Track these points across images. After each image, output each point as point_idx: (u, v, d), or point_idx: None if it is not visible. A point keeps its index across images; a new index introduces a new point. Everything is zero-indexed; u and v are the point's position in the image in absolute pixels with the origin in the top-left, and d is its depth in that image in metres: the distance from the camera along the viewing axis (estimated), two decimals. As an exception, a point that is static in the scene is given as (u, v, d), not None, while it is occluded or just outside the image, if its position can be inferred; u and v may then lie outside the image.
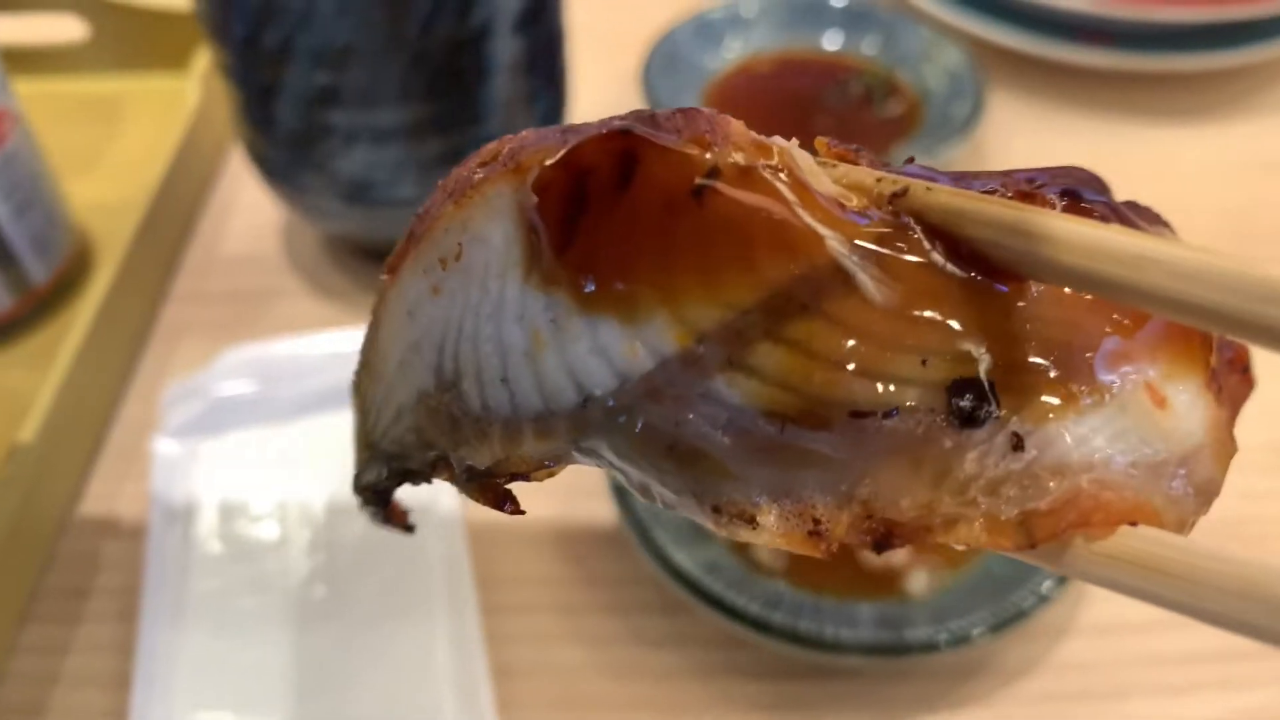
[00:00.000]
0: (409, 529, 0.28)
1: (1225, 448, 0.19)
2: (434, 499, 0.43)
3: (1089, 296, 0.18)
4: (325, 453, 0.45)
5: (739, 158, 0.18)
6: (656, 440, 0.19)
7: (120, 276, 0.51)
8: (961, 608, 0.38)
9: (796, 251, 0.18)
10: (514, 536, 0.44)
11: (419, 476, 0.23)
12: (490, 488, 0.21)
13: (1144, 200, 0.49)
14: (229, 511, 0.44)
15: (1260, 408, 0.22)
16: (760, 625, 0.37)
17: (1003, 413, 0.18)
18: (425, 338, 0.21)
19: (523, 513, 0.22)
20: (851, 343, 0.18)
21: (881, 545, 0.18)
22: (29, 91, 0.69)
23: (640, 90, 0.62)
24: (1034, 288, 0.18)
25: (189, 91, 0.62)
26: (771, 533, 0.18)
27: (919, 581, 0.40)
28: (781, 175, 0.18)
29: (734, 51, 0.67)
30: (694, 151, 0.18)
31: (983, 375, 0.18)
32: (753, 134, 0.19)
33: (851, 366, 0.18)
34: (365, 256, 0.57)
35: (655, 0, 0.74)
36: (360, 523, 0.42)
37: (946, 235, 0.18)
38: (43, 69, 0.70)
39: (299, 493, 0.44)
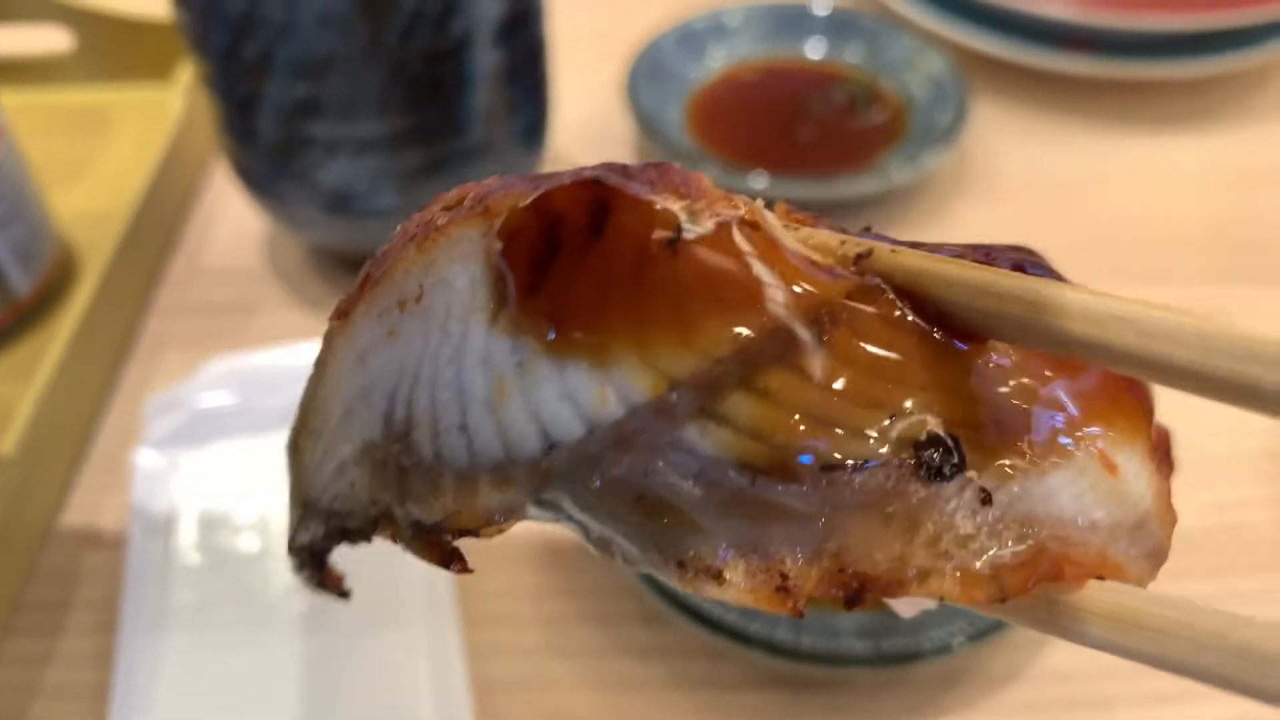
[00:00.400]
0: (344, 594, 0.26)
1: (1169, 515, 0.20)
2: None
3: (1047, 362, 0.19)
4: (307, 464, 0.45)
5: (711, 211, 0.18)
6: (623, 491, 0.18)
7: (102, 288, 0.51)
8: (943, 616, 0.38)
9: (772, 303, 0.18)
10: (495, 548, 0.44)
11: (358, 535, 0.22)
12: (437, 544, 0.21)
13: (1128, 208, 0.50)
14: (210, 523, 0.44)
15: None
16: (739, 636, 0.36)
17: (969, 470, 0.18)
18: (376, 385, 0.20)
19: (470, 571, 0.21)
20: (823, 395, 0.18)
21: (853, 600, 0.18)
22: (14, 102, 0.69)
23: (624, 100, 0.62)
24: (995, 350, 0.19)
25: (173, 102, 0.62)
26: (738, 589, 0.18)
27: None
28: (753, 231, 0.19)
29: (718, 60, 0.67)
30: (668, 203, 0.18)
31: (948, 433, 0.18)
32: (723, 190, 0.19)
33: (825, 417, 0.18)
34: (348, 267, 0.57)
35: (639, 9, 0.74)
36: (341, 534, 0.42)
37: (912, 296, 0.18)
38: (27, 79, 0.70)
39: (280, 505, 0.44)
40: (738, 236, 0.18)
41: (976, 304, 0.18)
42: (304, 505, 0.23)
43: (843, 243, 0.19)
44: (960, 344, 0.18)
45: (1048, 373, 0.19)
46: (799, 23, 0.68)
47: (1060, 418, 0.18)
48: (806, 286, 0.18)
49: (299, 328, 0.54)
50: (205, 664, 0.39)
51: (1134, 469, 0.19)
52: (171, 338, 0.54)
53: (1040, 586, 0.18)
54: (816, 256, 0.19)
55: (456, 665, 0.39)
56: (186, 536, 0.43)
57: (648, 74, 0.64)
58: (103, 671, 0.40)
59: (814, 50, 0.68)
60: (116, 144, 0.67)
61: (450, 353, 0.19)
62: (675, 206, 0.18)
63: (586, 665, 0.40)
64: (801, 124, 0.64)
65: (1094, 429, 0.19)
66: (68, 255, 0.58)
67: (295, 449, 0.23)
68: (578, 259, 0.18)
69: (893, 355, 0.18)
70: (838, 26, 0.68)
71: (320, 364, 0.22)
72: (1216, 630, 0.17)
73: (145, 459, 0.46)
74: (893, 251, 0.19)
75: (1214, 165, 0.64)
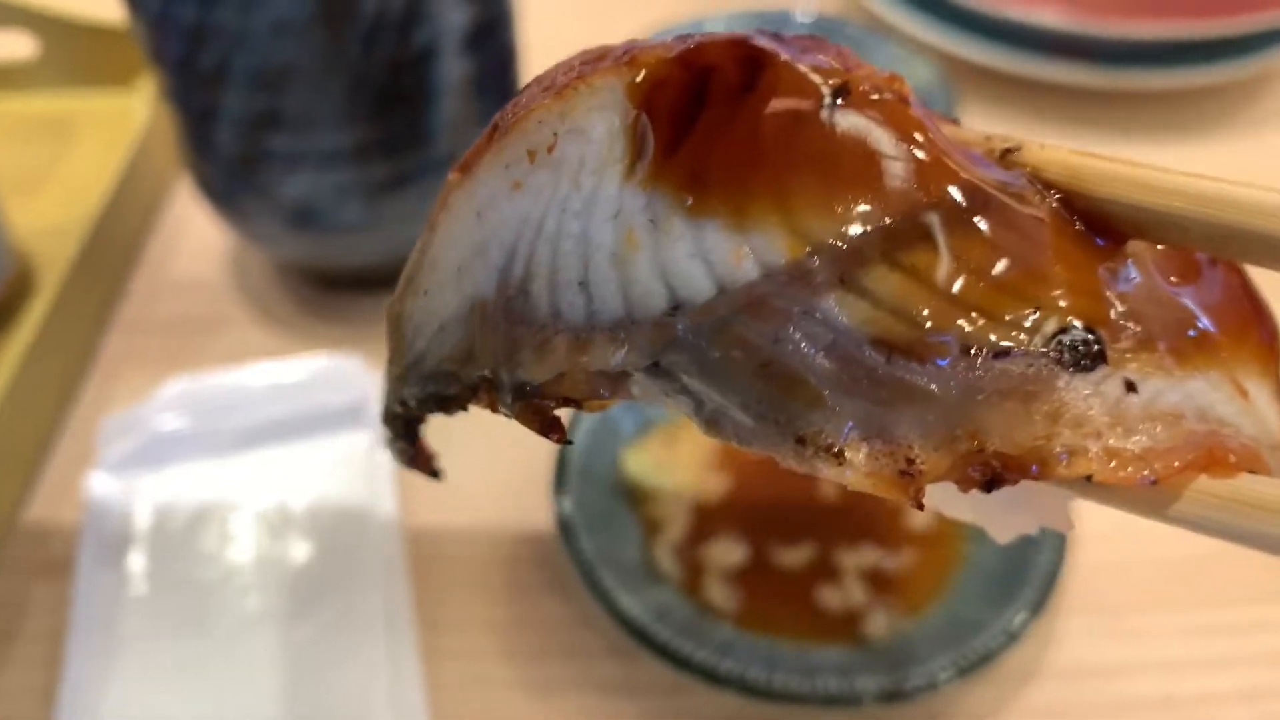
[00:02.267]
0: (435, 474, 0.27)
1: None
2: (377, 540, 0.42)
3: (1178, 268, 0.19)
4: (266, 489, 0.44)
5: (870, 84, 0.18)
6: (749, 357, 0.17)
7: (59, 303, 0.49)
8: (923, 653, 0.36)
9: (926, 180, 0.17)
10: (458, 578, 0.42)
11: (455, 403, 0.21)
12: (538, 410, 0.19)
13: None
14: (165, 551, 0.42)
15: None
16: (709, 674, 0.35)
17: (1110, 364, 0.17)
18: (494, 238, 0.20)
19: (569, 443, 0.22)
20: (969, 280, 0.17)
21: (992, 483, 0.17)
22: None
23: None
24: (1134, 251, 0.18)
25: (138, 110, 0.61)
26: (858, 470, 0.17)
27: (878, 625, 0.38)
28: (907, 109, 0.18)
29: (699, 68, 0.66)
30: (823, 71, 0.18)
31: (1089, 328, 0.17)
32: (876, 68, 0.19)
33: (968, 302, 0.17)
34: (315, 283, 0.55)
35: (616, 17, 0.73)
36: (298, 566, 0.41)
37: (1062, 191, 0.19)
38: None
39: (238, 532, 0.42)
40: (897, 110, 0.18)
41: (1130, 199, 0.18)
42: (403, 372, 0.22)
43: (988, 138, 0.19)
44: (1101, 240, 0.18)
45: (1179, 280, 0.19)
46: (782, 30, 0.67)
47: (1194, 331, 0.18)
48: (958, 170, 0.18)
49: (263, 346, 0.53)
50: (153, 699, 0.38)
51: (1264, 399, 0.19)
52: (131, 355, 0.53)
53: (1193, 472, 0.17)
54: (969, 147, 0.19)
55: (416, 701, 0.37)
56: (139, 565, 0.42)
57: (626, 82, 0.62)
58: (46, 708, 0.38)
59: (796, 58, 0.67)
60: (79, 153, 0.65)
61: (579, 205, 0.19)
62: (829, 77, 0.18)
63: (552, 701, 0.39)
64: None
65: (1227, 355, 0.18)
66: (25, 269, 0.56)
67: (397, 315, 0.23)
68: (724, 116, 0.17)
69: (1038, 248, 0.18)
70: (822, 34, 0.66)
71: (432, 224, 0.22)
72: None
73: (99, 483, 0.44)
74: (1042, 148, 0.19)
75: (1207, 174, 0.62)
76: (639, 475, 0.42)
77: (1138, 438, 0.17)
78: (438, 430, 0.47)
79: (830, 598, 0.39)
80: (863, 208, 0.17)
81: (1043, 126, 0.66)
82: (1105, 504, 0.18)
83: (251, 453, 0.45)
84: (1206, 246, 0.18)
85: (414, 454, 0.25)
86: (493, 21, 0.46)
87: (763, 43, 0.18)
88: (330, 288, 0.55)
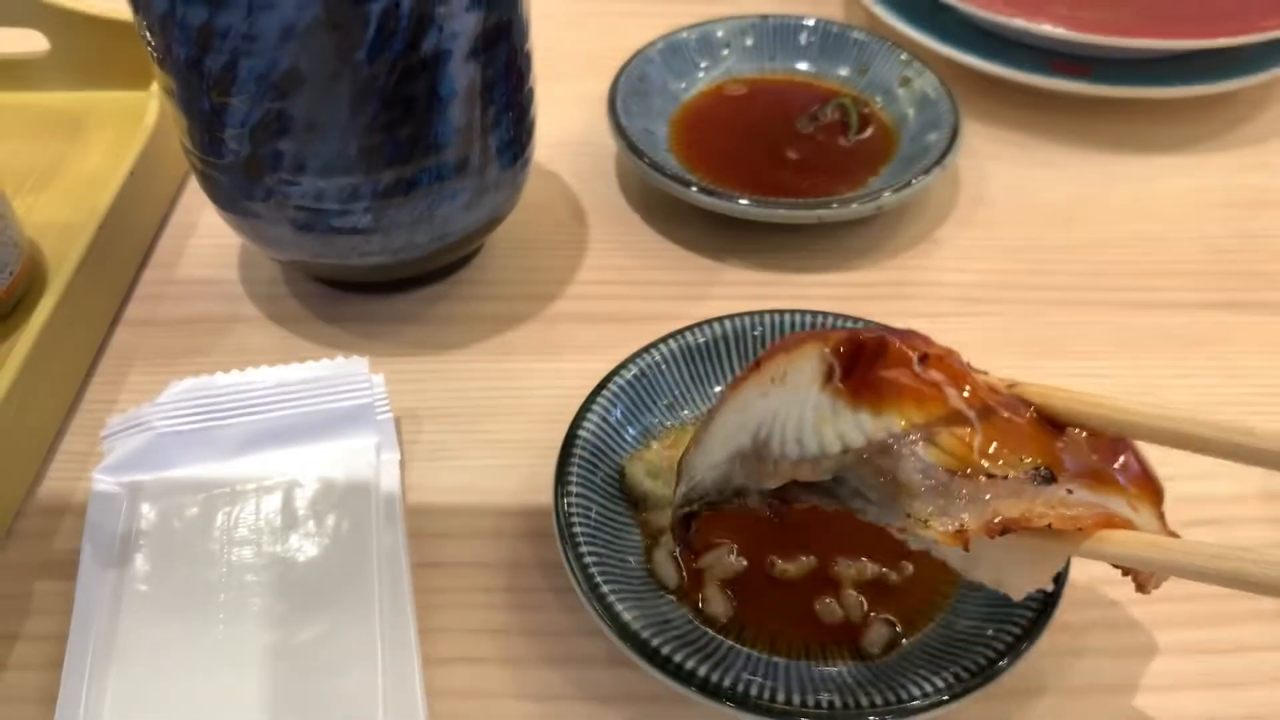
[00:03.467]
0: (696, 553, 0.41)
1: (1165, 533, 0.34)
2: (380, 545, 0.42)
3: (1101, 445, 0.34)
4: (270, 490, 0.44)
5: (935, 351, 0.34)
6: (881, 473, 0.32)
7: (66, 299, 0.49)
8: (924, 668, 0.36)
9: (967, 398, 0.33)
10: (460, 584, 0.42)
11: (715, 506, 0.37)
12: (773, 508, 0.36)
13: (1122, 232, 0.53)
14: (167, 552, 0.42)
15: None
16: (709, 687, 0.35)
17: (1062, 483, 0.32)
18: (750, 419, 0.36)
19: (778, 520, 0.37)
20: (987, 443, 0.32)
21: (1004, 531, 0.31)
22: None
23: (607, 114, 0.60)
24: (1078, 436, 0.34)
25: (149, 108, 0.61)
26: (935, 531, 0.31)
27: (878, 639, 0.38)
28: (959, 365, 0.34)
29: (706, 74, 0.66)
30: (914, 347, 0.34)
31: (1048, 465, 0.32)
32: (936, 343, 0.35)
33: (986, 453, 0.32)
34: (323, 285, 0.56)
35: (627, 23, 0.73)
36: (301, 568, 0.41)
37: (1035, 404, 0.34)
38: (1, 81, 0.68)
39: (241, 534, 0.43)
40: (951, 366, 0.34)
41: (1068, 409, 0.34)
42: (686, 492, 0.38)
43: (1001, 380, 0.35)
44: (1056, 429, 0.34)
45: (1099, 447, 0.34)
46: (789, 37, 0.67)
47: (1105, 471, 0.33)
48: (984, 395, 0.33)
49: (270, 347, 0.53)
50: (154, 703, 0.38)
51: (1146, 514, 0.33)
52: (137, 354, 0.53)
53: (1097, 528, 0.31)
54: (991, 384, 0.34)
55: (416, 706, 0.37)
56: (141, 565, 0.42)
57: (633, 88, 0.62)
58: (46, 710, 0.38)
59: (803, 65, 0.67)
60: (90, 150, 0.65)
61: (797, 401, 0.34)
62: (917, 350, 0.33)
63: (552, 710, 0.39)
64: (789, 141, 0.62)
65: (1121, 484, 0.33)
66: (36, 265, 0.56)
67: (684, 460, 0.39)
68: (870, 364, 0.33)
69: (1022, 431, 0.33)
70: (829, 42, 0.66)
71: (711, 412, 0.38)
72: (1188, 546, 0.31)
73: (102, 484, 0.44)
74: (1029, 387, 0.34)
75: (1210, 189, 0.62)
76: (641, 483, 0.42)
77: (1071, 512, 0.31)
78: (445, 438, 0.48)
79: (830, 610, 0.39)
80: (932, 410, 0.32)
81: (1047, 139, 0.66)
82: (1062, 550, 0.32)
83: (256, 454, 0.45)
84: (1109, 431, 0.34)
85: (687, 538, 0.39)
86: (503, 26, 0.46)
87: (887, 335, 0.34)
88: (338, 290, 0.55)
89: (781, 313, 0.47)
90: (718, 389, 0.46)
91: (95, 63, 0.68)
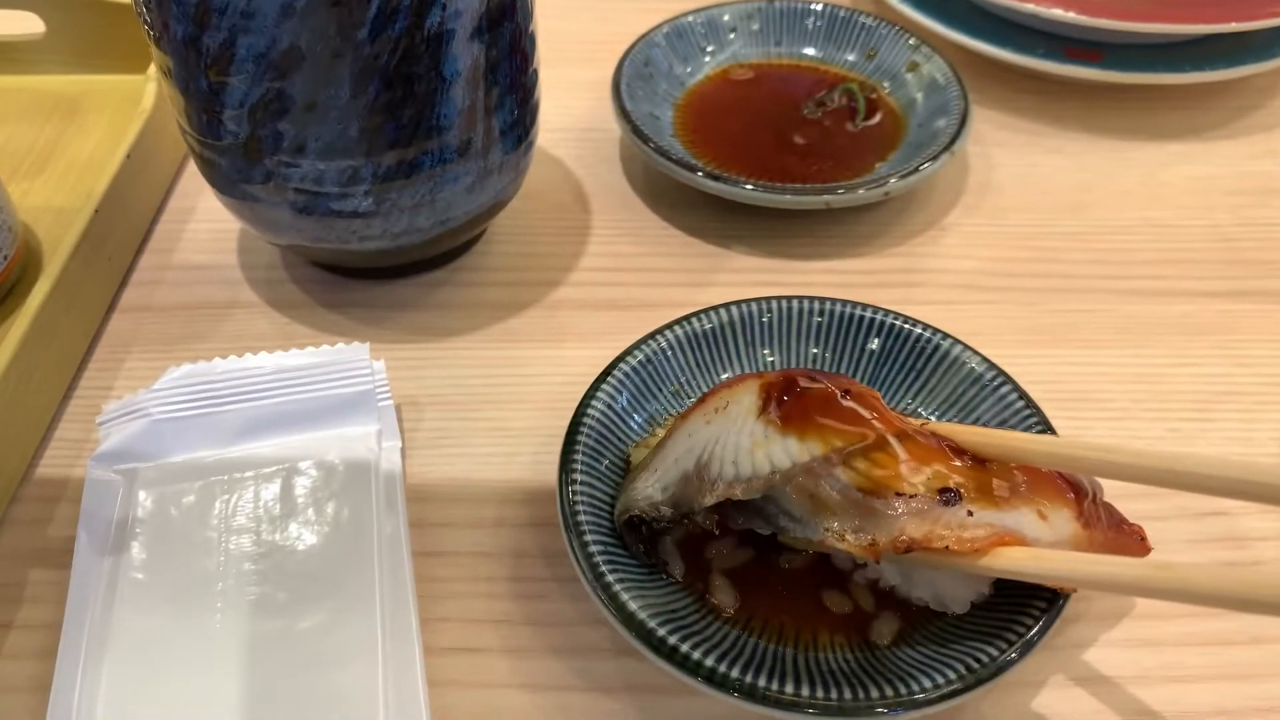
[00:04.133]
0: (663, 566, 0.40)
1: (1080, 545, 0.36)
2: (381, 533, 0.41)
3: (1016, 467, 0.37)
4: (269, 478, 0.43)
5: (854, 390, 0.38)
6: (803, 492, 0.36)
7: (61, 285, 0.49)
8: (933, 661, 0.35)
9: (883, 424, 0.37)
10: (462, 573, 0.42)
11: (665, 524, 0.39)
12: (709, 520, 0.39)
13: (1132, 220, 0.57)
14: (164, 540, 0.41)
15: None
16: (715, 678, 0.34)
17: (965, 503, 0.35)
18: (696, 444, 0.39)
19: (715, 533, 0.40)
20: (899, 465, 0.36)
21: (909, 550, 0.35)
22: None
23: (612, 98, 0.59)
24: (989, 464, 0.37)
25: (146, 91, 0.60)
26: (851, 545, 0.35)
27: (886, 630, 0.38)
28: (879, 401, 0.38)
29: (711, 58, 0.65)
30: (843, 384, 0.38)
31: (955, 487, 0.35)
32: (864, 385, 0.39)
33: (900, 474, 0.35)
34: (322, 270, 0.55)
35: (630, 9, 0.72)
36: (300, 557, 0.40)
37: (948, 440, 0.37)
38: (-5, 64, 0.68)
39: (239, 522, 0.42)
40: (871, 400, 0.38)
41: (972, 445, 0.38)
42: (626, 504, 0.40)
43: (916, 419, 0.41)
44: (973, 460, 0.37)
45: (1016, 472, 0.37)
46: (796, 21, 0.66)
47: (1010, 490, 0.36)
48: (901, 424, 0.37)
49: (268, 332, 0.52)
50: (151, 693, 0.37)
51: (1061, 520, 0.36)
52: (134, 340, 0.52)
53: (994, 546, 0.35)
54: (906, 419, 0.38)
55: (418, 696, 0.37)
56: (138, 553, 0.41)
57: (637, 72, 0.61)
58: (39, 700, 0.37)
59: (809, 50, 0.66)
60: (86, 134, 0.64)
61: (735, 429, 0.38)
62: (842, 387, 0.38)
63: (555, 700, 0.38)
64: (796, 127, 0.61)
65: (1037, 497, 0.36)
66: (31, 250, 0.55)
67: (632, 479, 0.41)
68: (798, 399, 0.37)
69: (935, 456, 0.36)
70: (836, 26, 0.65)
71: (664, 439, 0.41)
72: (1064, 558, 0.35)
73: (97, 470, 0.43)
74: (939, 424, 0.39)
75: (1220, 176, 0.62)
76: (646, 472, 0.42)
77: (970, 533, 0.35)
78: (447, 426, 0.47)
79: (837, 602, 0.39)
80: (852, 436, 0.36)
81: (1056, 125, 0.65)
82: (964, 567, 0.36)
83: (255, 441, 0.45)
84: (1010, 459, 0.37)
85: (641, 546, 0.40)
86: (507, 6, 0.45)
87: (816, 375, 0.38)
88: (338, 276, 0.54)
89: (789, 299, 0.46)
90: (725, 375, 0.46)
91: (92, 46, 0.67)
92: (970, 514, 0.35)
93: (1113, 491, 0.38)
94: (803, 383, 0.37)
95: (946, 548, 0.34)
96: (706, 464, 0.38)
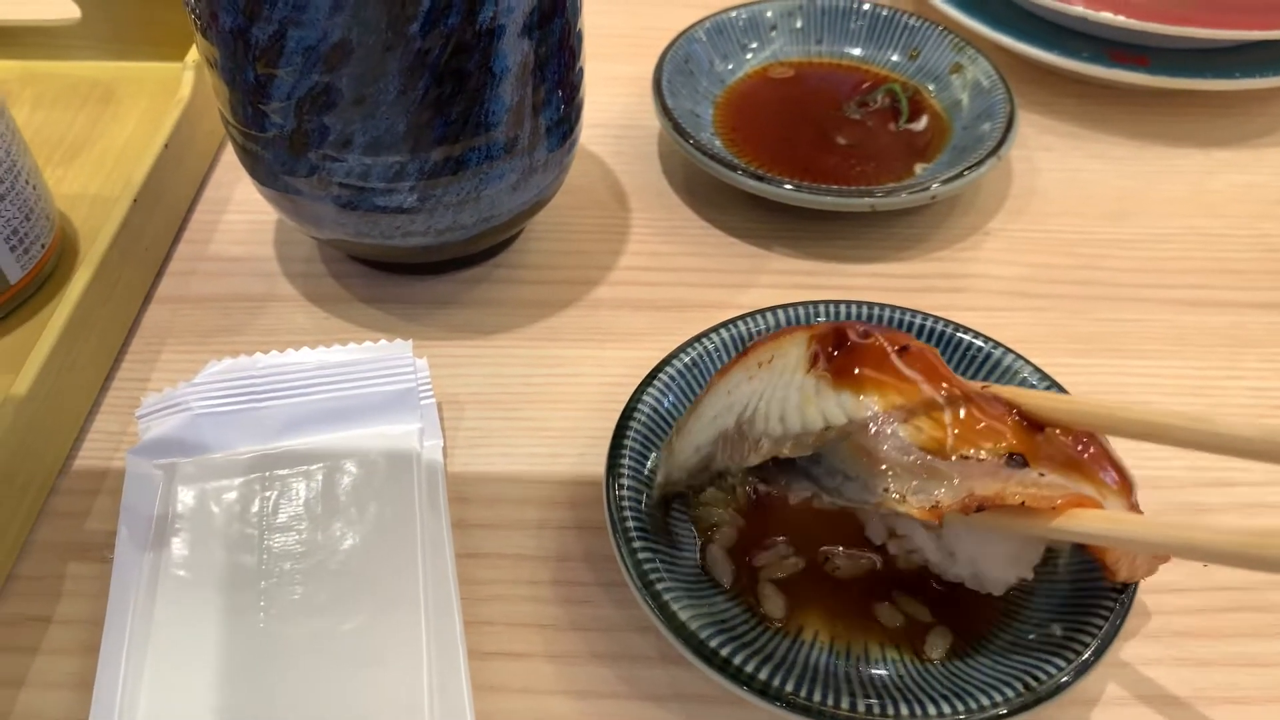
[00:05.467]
0: (671, 545, 0.40)
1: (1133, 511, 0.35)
2: (424, 534, 0.41)
3: (1071, 439, 0.36)
4: (310, 476, 0.43)
5: (919, 347, 0.36)
6: (861, 450, 0.34)
7: (100, 275, 0.48)
8: (988, 678, 0.35)
9: (946, 384, 0.35)
10: (506, 576, 0.41)
11: (697, 489, 0.40)
12: (749, 483, 0.39)
13: (1178, 228, 0.59)
14: (204, 536, 0.41)
15: None
16: (766, 690, 0.34)
17: (1033, 466, 0.34)
18: (736, 401, 0.37)
19: (756, 495, 0.41)
20: (966, 428, 0.34)
21: (980, 509, 0.32)
22: (14, 73, 0.66)
23: (652, 95, 0.59)
24: (1052, 433, 0.36)
25: (184, 79, 0.59)
26: (911, 507, 0.33)
27: (940, 642, 0.37)
28: (937, 359, 0.36)
29: (753, 55, 0.64)
30: (899, 339, 0.36)
31: (1020, 452, 0.34)
32: (914, 338, 0.37)
33: (962, 434, 0.34)
34: (361, 263, 0.54)
35: (669, 4, 0.71)
36: (342, 557, 0.40)
37: (1012, 403, 0.36)
38: (30, 49, 0.67)
39: (280, 520, 0.41)
40: (928, 359, 0.36)
41: (1039, 409, 0.36)
42: (666, 475, 0.40)
43: (977, 384, 0.38)
44: (1033, 427, 0.36)
45: (1074, 442, 0.36)
46: (840, 19, 0.65)
47: (1077, 462, 0.35)
48: (958, 386, 0.35)
49: (307, 326, 0.52)
50: (191, 693, 0.37)
51: (1113, 499, 0.35)
52: (171, 332, 0.51)
53: (1069, 507, 0.33)
54: (966, 382, 0.36)
55: (462, 701, 0.36)
56: (179, 550, 0.40)
57: (678, 69, 0.61)
58: (81, 696, 0.37)
59: (851, 49, 0.65)
60: (122, 121, 0.64)
61: (782, 384, 0.36)
62: (897, 344, 0.36)
63: (599, 707, 0.37)
64: (837, 127, 0.60)
65: (1098, 480, 0.35)
66: (66, 238, 0.55)
67: (670, 445, 0.40)
68: (853, 352, 0.35)
69: (1000, 422, 0.35)
70: (880, 26, 0.65)
71: (698, 400, 0.40)
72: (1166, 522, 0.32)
73: (137, 464, 0.43)
74: (1001, 388, 0.37)
75: (1268, 185, 0.61)
76: (693, 477, 0.41)
77: (1046, 492, 0.33)
78: (487, 425, 0.47)
79: (889, 613, 0.38)
80: (914, 394, 0.34)
81: (1101, 130, 0.65)
82: (1035, 530, 0.33)
83: (295, 438, 0.44)
84: (1079, 426, 0.36)
85: (663, 525, 0.40)
86: (558, 2, 0.44)
87: (870, 328, 0.36)
88: (376, 270, 0.54)
89: (840, 304, 0.45)
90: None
91: (127, 32, 0.67)
92: (1042, 475, 0.33)
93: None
94: (855, 336, 0.35)
95: (1022, 504, 0.32)
96: (750, 421, 0.35)
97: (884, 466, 0.33)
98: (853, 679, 0.36)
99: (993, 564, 0.36)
